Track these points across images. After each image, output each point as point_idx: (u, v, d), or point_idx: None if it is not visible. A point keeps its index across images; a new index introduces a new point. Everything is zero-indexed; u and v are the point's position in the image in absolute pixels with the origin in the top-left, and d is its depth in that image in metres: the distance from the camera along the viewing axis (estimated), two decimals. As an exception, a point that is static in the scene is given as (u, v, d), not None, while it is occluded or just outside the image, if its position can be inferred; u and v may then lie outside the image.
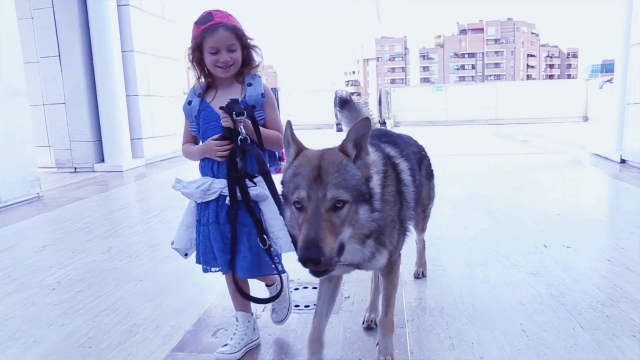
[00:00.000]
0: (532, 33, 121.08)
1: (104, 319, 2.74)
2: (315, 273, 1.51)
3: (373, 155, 1.70)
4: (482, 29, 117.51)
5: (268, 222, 2.08)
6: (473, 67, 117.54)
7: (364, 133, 1.58)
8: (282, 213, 1.82)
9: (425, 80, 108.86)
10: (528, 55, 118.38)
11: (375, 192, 1.61)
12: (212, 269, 2.19)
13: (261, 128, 2.08)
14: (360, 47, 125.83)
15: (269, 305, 2.56)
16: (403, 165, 1.96)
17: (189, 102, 2.19)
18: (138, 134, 9.56)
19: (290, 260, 2.01)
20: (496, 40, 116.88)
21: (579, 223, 4.25)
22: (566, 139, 11.62)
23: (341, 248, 1.51)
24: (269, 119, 2.17)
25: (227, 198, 2.05)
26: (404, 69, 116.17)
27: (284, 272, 2.17)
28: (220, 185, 2.08)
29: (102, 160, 9.18)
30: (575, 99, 18.30)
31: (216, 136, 2.07)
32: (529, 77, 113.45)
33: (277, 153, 2.25)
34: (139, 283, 3.29)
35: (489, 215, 4.61)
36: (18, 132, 6.29)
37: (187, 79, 12.04)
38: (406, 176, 1.95)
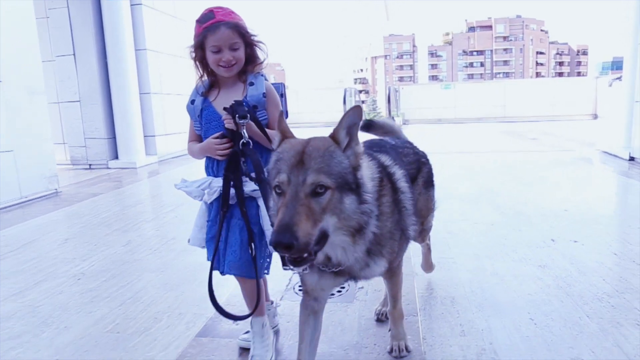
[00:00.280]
0: (542, 30, 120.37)
1: (129, 307, 2.87)
2: (292, 262, 1.42)
3: (368, 164, 1.68)
4: (490, 27, 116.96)
5: (264, 218, 2.05)
6: (482, 64, 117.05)
7: (355, 122, 1.55)
8: (267, 204, 1.80)
9: (434, 78, 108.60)
10: (537, 53, 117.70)
11: (363, 182, 1.55)
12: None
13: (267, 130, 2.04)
14: (368, 45, 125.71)
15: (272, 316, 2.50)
16: (398, 174, 1.90)
17: (192, 102, 2.18)
18: (151, 131, 9.71)
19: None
20: (505, 38, 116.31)
21: (587, 219, 4.33)
22: (575, 137, 11.64)
23: (323, 237, 1.44)
24: (272, 119, 2.12)
25: (246, 190, 2.04)
26: (412, 67, 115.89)
27: (264, 275, 2.17)
28: (219, 184, 2.05)
29: (116, 157, 9.34)
30: (585, 97, 18.26)
31: (216, 134, 2.06)
32: (538, 74, 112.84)
33: None
34: (160, 274, 3.43)
35: (497, 211, 4.71)
36: (37, 130, 6.45)
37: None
38: (402, 184, 1.90)
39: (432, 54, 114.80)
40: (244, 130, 1.95)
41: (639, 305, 2.58)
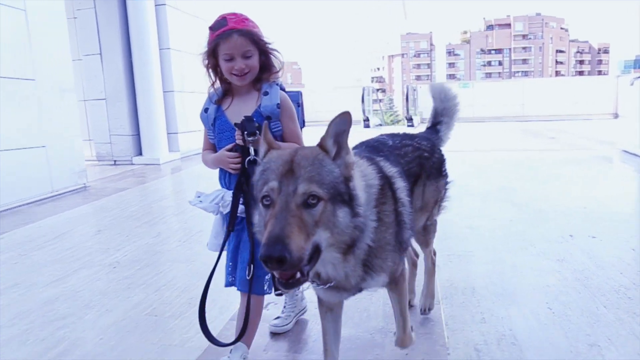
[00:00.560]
0: (562, 28, 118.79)
1: (164, 293, 3.04)
2: (284, 282, 1.32)
3: (368, 169, 1.63)
4: (509, 25, 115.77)
5: None
6: (500, 63, 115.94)
7: (344, 130, 1.44)
8: (250, 220, 1.78)
9: (451, 76, 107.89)
10: (557, 51, 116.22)
11: (357, 194, 1.45)
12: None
13: (278, 143, 1.76)
14: (385, 44, 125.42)
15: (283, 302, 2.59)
16: (399, 184, 1.81)
17: (206, 110, 2.12)
18: (174, 128, 9.94)
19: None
20: (524, 36, 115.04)
21: (605, 215, 4.39)
22: (595, 136, 11.59)
23: (316, 252, 1.35)
24: (287, 131, 2.07)
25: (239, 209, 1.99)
26: (429, 66, 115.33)
27: (266, 293, 2.08)
28: (231, 198, 1.99)
29: (140, 154, 9.58)
30: (605, 96, 18.08)
31: (229, 146, 2.02)
32: (557, 73, 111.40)
33: None
34: (190, 264, 3.59)
35: (516, 207, 4.79)
36: (67, 126, 6.69)
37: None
38: (403, 195, 1.81)
39: (449, 53, 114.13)
40: (252, 148, 1.90)
41: (655, 297, 2.67)
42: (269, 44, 2.06)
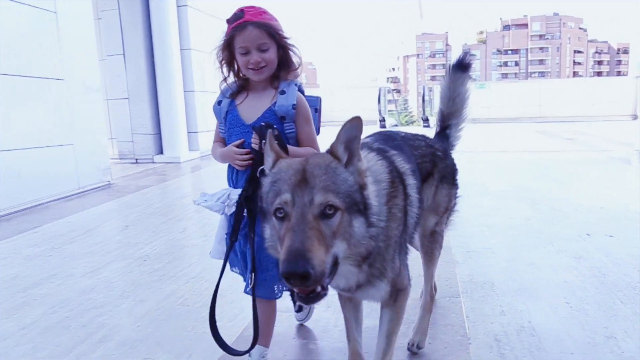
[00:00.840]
0: (580, 28, 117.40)
1: (194, 285, 3.18)
2: (304, 297, 1.28)
3: (377, 165, 1.58)
4: (526, 25, 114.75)
5: None
6: (516, 63, 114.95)
7: (355, 136, 1.39)
8: (252, 235, 1.78)
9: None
10: (575, 52, 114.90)
11: (371, 203, 1.41)
12: (233, 269, 2.18)
13: (291, 147, 1.91)
14: (400, 44, 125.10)
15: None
16: (410, 180, 1.75)
17: (219, 102, 2.08)
18: (194, 127, 10.12)
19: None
20: (541, 36, 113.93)
21: (622, 215, 4.44)
22: (613, 137, 11.54)
23: (335, 264, 1.30)
24: (302, 134, 1.99)
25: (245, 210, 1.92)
26: (444, 66, 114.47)
27: (277, 297, 2.06)
28: (236, 196, 1.94)
29: (161, 152, 9.78)
30: (624, 97, 17.93)
31: (237, 142, 1.97)
32: (575, 74, 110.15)
33: None
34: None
35: (533, 207, 4.85)
36: (93, 125, 6.89)
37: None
38: (413, 193, 1.75)
39: (465, 53, 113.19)
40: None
41: (672, 293, 2.74)
42: (287, 38, 1.98)
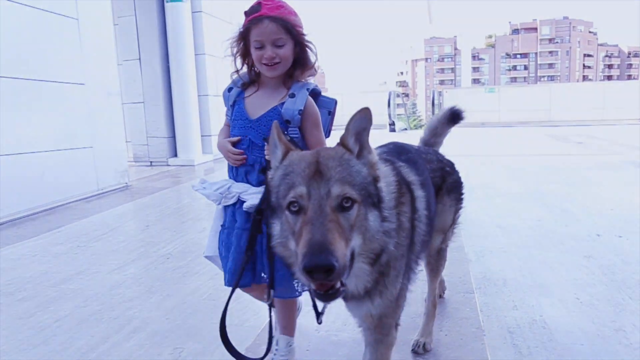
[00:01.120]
0: (590, 32, 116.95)
1: (218, 281, 3.28)
2: (323, 294, 1.24)
3: (388, 175, 1.52)
4: (535, 29, 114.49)
5: None
6: (525, 67, 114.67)
7: (365, 127, 1.37)
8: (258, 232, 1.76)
9: (476, 81, 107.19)
10: (585, 55, 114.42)
11: (384, 196, 1.38)
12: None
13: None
14: (408, 48, 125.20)
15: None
16: (420, 194, 1.71)
17: (229, 89, 2.05)
18: (207, 131, 10.29)
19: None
20: (550, 40, 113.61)
21: (632, 217, 4.52)
22: (623, 141, 11.57)
23: (352, 259, 1.27)
24: (311, 139, 1.93)
25: (245, 204, 1.90)
26: (453, 70, 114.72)
27: (297, 295, 2.05)
28: (238, 190, 1.93)
29: (175, 155, 9.97)
30: (635, 101, 17.93)
31: (234, 140, 1.96)
32: (585, 77, 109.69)
33: None
34: (237, 256, 3.86)
35: (544, 208, 4.95)
36: (111, 128, 7.07)
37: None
38: (421, 207, 1.69)
39: (474, 57, 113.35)
40: None
41: (679, 290, 2.84)
42: (305, 34, 1.93)
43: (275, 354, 2.13)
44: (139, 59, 9.69)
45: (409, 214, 1.58)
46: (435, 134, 2.62)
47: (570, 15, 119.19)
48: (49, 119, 5.92)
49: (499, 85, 66.70)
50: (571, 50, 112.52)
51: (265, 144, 1.81)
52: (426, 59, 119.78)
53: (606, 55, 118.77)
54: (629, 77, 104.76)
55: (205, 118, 10.24)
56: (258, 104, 1.95)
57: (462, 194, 2.35)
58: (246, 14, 1.91)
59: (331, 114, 2.08)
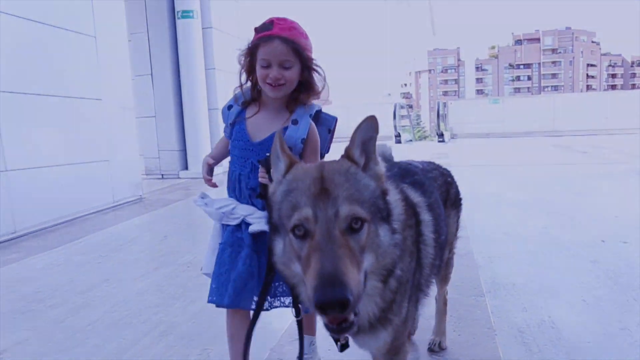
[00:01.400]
0: (593, 42, 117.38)
1: (238, 287, 3.46)
2: (336, 328, 1.15)
3: (394, 191, 1.45)
4: (538, 39, 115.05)
5: None
6: (529, 78, 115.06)
7: (371, 136, 1.30)
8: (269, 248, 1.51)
9: (479, 92, 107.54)
10: (588, 65, 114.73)
11: (393, 208, 1.32)
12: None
13: None
14: (412, 60, 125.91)
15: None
16: (426, 217, 1.65)
17: (229, 107, 2.02)
18: (217, 144, 10.48)
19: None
20: (553, 50, 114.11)
21: (637, 224, 4.64)
22: (627, 150, 11.69)
23: (364, 281, 1.19)
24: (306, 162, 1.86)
25: (251, 227, 1.87)
26: (456, 81, 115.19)
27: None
28: (243, 212, 1.89)
29: (186, 168, 10.16)
30: (639, 110, 18.02)
31: (210, 162, 2.06)
32: (588, 87, 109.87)
33: None
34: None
35: (549, 216, 5.08)
36: (126, 142, 7.27)
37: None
38: (428, 232, 1.63)
39: (477, 68, 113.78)
40: None
41: (681, 292, 2.97)
42: (314, 59, 1.90)
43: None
44: (151, 74, 9.93)
45: (414, 237, 1.52)
46: None
47: (572, 25, 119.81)
48: (67, 133, 6.11)
49: (503, 96, 66.93)
50: (574, 60, 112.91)
51: (260, 166, 1.76)
52: (429, 71, 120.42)
53: (609, 65, 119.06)
54: (633, 86, 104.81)
55: (216, 131, 10.43)
56: (260, 127, 1.91)
57: (461, 200, 2.31)
58: (256, 30, 1.87)
59: (331, 132, 2.05)
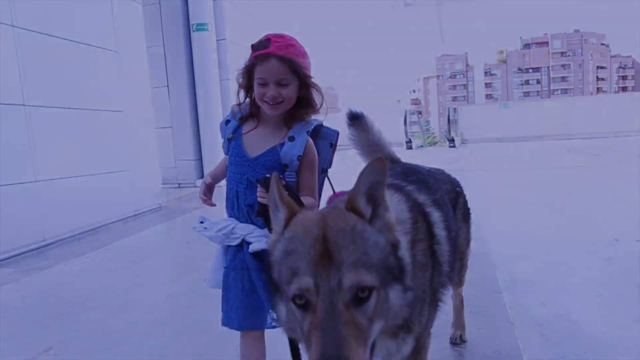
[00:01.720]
0: (602, 44, 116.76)
1: (265, 288, 3.62)
2: None
3: (397, 206, 1.37)
4: (547, 43, 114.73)
5: None
6: (538, 81, 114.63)
7: (379, 181, 1.15)
8: (272, 307, 1.50)
9: (488, 96, 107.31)
10: (598, 67, 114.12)
11: (406, 263, 1.19)
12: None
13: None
14: (420, 66, 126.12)
15: None
16: (436, 216, 1.57)
17: (227, 122, 2.00)
18: (232, 153, 10.70)
19: None
20: (562, 54, 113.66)
21: (650, 223, 4.76)
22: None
23: (371, 352, 1.11)
24: (302, 181, 1.87)
25: (250, 247, 1.84)
26: (465, 86, 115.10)
27: None
28: (243, 232, 1.86)
29: (202, 177, 10.30)
30: (651, 111, 18.00)
31: (208, 182, 2.05)
32: (599, 90, 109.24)
33: None
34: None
35: (564, 217, 5.20)
36: (146, 152, 7.49)
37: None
38: (440, 231, 1.55)
39: (486, 73, 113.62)
40: None
41: (694, 287, 3.09)
42: (311, 77, 1.88)
43: None
44: (167, 86, 10.18)
45: (426, 245, 1.44)
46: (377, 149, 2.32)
47: (581, 28, 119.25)
48: (91, 144, 6.32)
49: (513, 100, 66.78)
50: (584, 63, 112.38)
51: (259, 186, 1.71)
52: (438, 76, 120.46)
53: (620, 67, 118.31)
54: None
55: (231, 140, 10.66)
56: (256, 143, 1.88)
57: (470, 213, 2.26)
58: (253, 48, 1.86)
59: (333, 145, 2.00)
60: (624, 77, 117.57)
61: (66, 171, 5.85)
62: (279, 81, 1.79)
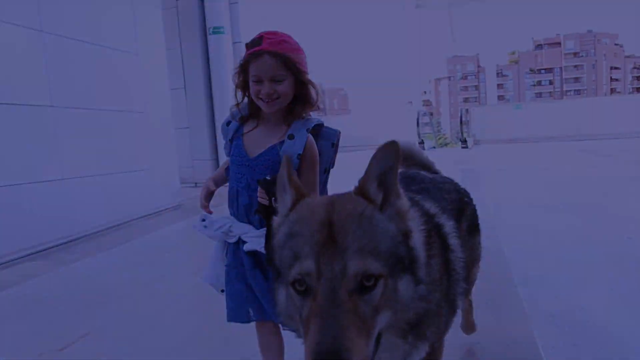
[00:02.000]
0: (616, 44, 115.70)
1: (287, 281, 3.76)
2: None
3: (416, 217, 1.26)
4: (559, 44, 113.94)
5: None
6: (550, 82, 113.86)
7: (391, 166, 1.10)
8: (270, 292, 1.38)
9: (500, 98, 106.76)
10: (611, 68, 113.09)
11: (419, 255, 1.13)
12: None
13: None
14: (431, 67, 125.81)
15: None
16: (448, 227, 1.50)
17: (228, 123, 2.01)
18: (247, 153, 10.90)
19: None
20: (575, 54, 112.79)
21: (662, 222, 4.84)
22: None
23: (376, 346, 1.05)
24: (304, 181, 1.79)
25: (245, 246, 1.85)
26: (476, 88, 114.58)
27: None
28: (239, 231, 1.88)
29: (218, 177, 10.54)
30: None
31: (211, 188, 2.05)
32: (613, 90, 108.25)
33: None
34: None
35: (577, 216, 5.28)
36: (166, 151, 7.68)
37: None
38: (454, 240, 1.48)
39: (497, 74, 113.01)
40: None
41: None
42: (306, 72, 1.86)
43: None
44: (184, 87, 10.40)
45: (441, 260, 1.35)
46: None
47: (594, 28, 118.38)
48: (114, 144, 6.52)
49: (524, 102, 66.47)
50: (597, 63, 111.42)
51: (259, 187, 1.72)
52: (449, 78, 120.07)
53: (634, 67, 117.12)
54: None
55: (246, 141, 10.85)
56: (257, 142, 1.88)
57: (479, 225, 2.08)
58: (247, 46, 1.87)
59: (334, 145, 1.98)
60: (639, 78, 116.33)
61: (90, 170, 6.05)
62: (273, 77, 1.79)
